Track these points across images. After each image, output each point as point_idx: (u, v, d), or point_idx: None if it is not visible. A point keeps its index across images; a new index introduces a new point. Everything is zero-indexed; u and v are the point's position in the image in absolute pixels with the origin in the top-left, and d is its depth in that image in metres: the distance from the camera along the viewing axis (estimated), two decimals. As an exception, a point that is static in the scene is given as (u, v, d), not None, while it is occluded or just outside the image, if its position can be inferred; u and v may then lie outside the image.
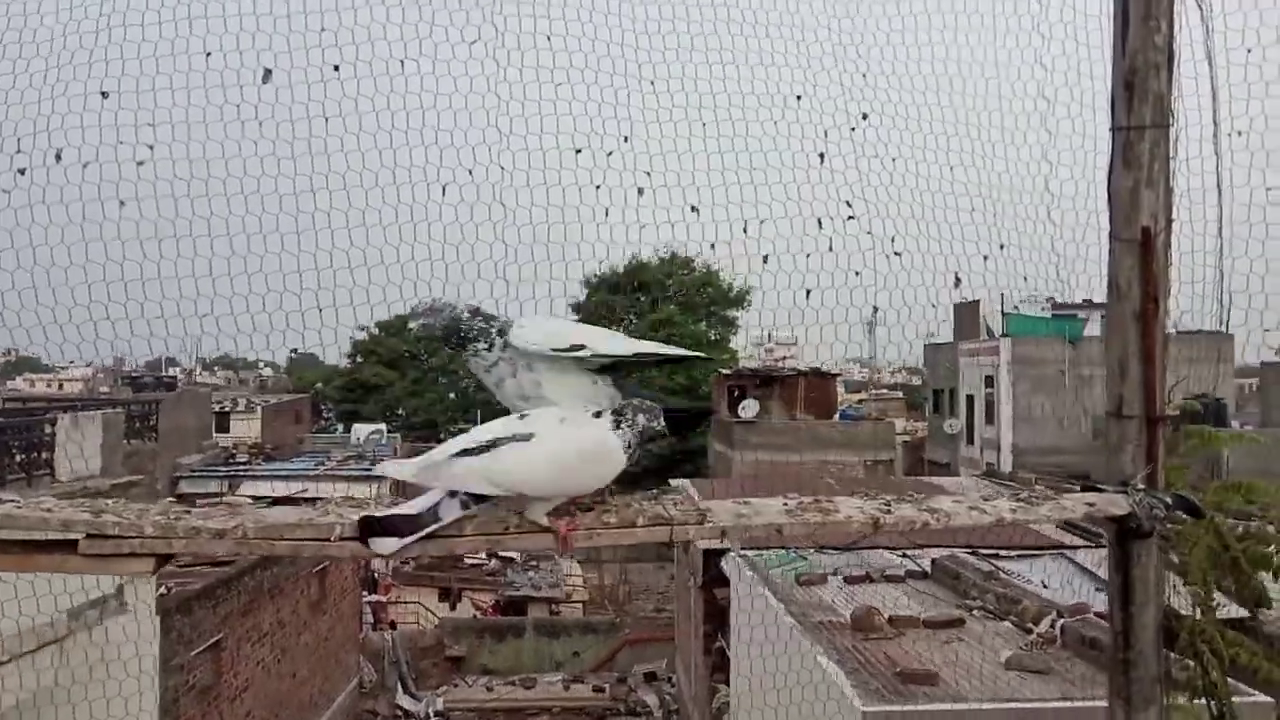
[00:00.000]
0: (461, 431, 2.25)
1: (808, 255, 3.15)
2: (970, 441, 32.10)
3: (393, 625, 26.78)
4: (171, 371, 45.78)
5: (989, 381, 30.88)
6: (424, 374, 51.71)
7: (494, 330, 2.30)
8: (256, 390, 59.20)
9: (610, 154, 3.14)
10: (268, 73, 2.89)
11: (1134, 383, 2.49)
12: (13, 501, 2.00)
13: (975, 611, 10.78)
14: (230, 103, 2.98)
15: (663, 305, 44.53)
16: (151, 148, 2.91)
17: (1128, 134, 2.50)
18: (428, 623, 27.51)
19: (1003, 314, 31.44)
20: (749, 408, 31.34)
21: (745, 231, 3.21)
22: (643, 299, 45.52)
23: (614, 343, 2.31)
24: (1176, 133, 2.54)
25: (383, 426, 40.39)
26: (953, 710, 7.51)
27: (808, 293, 3.07)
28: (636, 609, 30.19)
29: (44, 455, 9.99)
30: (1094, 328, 32.58)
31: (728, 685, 14.38)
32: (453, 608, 28.93)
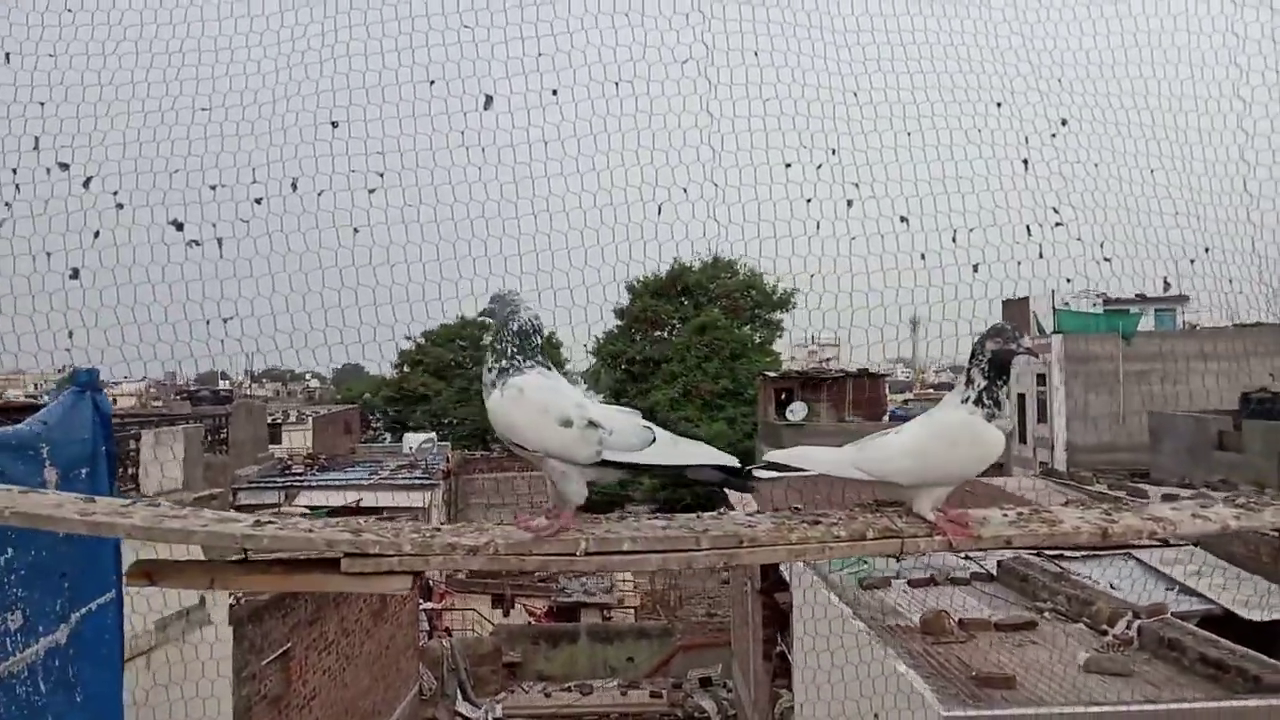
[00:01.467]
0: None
1: (1019, 263, 3.12)
2: (1023, 440, 31.67)
3: (448, 632, 27.01)
4: (223, 385, 46.57)
5: (1040, 379, 30.45)
6: (470, 382, 52.12)
7: (505, 364, 2.34)
8: (305, 402, 60.07)
9: (819, 166, 3.13)
10: (489, 100, 2.95)
11: None
12: (273, 523, 2.10)
13: (1046, 614, 10.68)
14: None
15: (706, 309, 44.47)
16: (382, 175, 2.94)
17: None
18: (482, 629, 27.72)
19: (1054, 310, 30.99)
20: (797, 410, 31.22)
21: (954, 240, 3.19)
22: (686, 303, 45.49)
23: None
24: None
25: (434, 435, 40.79)
26: (1035, 715, 7.46)
27: (1004, 304, 3.04)
28: (688, 614, 30.17)
29: (129, 470, 10.26)
30: (1148, 322, 32.02)
31: (790, 690, 14.34)
32: (506, 614, 29.12)
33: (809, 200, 3.12)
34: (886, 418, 32.88)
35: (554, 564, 2.09)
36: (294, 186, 2.95)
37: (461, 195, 2.96)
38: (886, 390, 37.58)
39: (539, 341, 2.33)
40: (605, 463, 2.19)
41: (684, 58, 2.99)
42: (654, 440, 2.18)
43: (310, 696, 16.16)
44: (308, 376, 74.21)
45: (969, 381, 2.34)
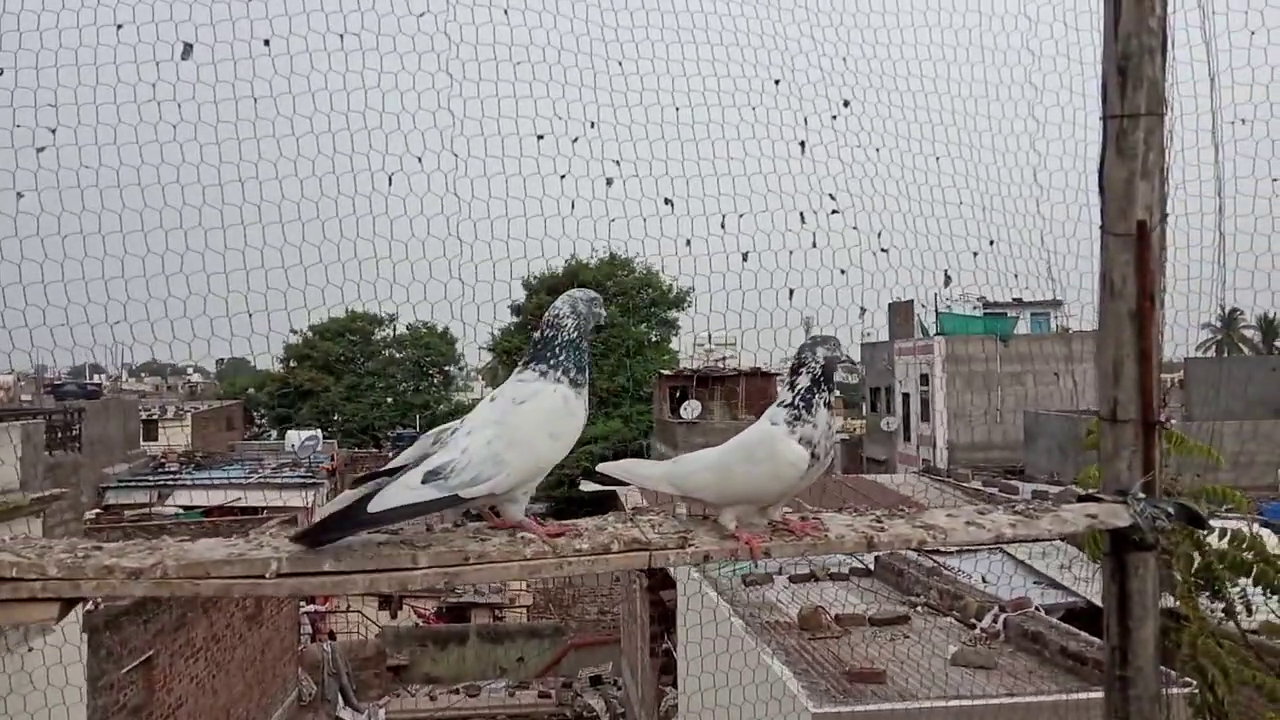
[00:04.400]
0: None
1: (790, 252, 2.97)
2: (907, 439, 32.64)
3: (332, 636, 26.21)
4: (96, 379, 44.18)
5: (924, 379, 31.43)
6: (360, 379, 50.79)
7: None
8: (186, 397, 57.63)
9: (576, 140, 2.91)
10: (188, 48, 2.61)
11: (1130, 384, 2.35)
12: None
13: (919, 608, 10.92)
14: (146, 81, 2.66)
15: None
16: (54, 131, 2.62)
17: (1121, 122, 2.36)
18: (367, 632, 26.99)
19: (935, 312, 32.05)
20: (691, 408, 31.43)
21: (723, 226, 3.02)
22: (582, 300, 45.25)
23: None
24: (1172, 121, 2.40)
25: (318, 432, 39.52)
26: (902, 709, 7.57)
27: (790, 293, 2.92)
28: (581, 612, 30.04)
29: (-41, 470, 9.49)
30: (1023, 326, 33.42)
31: (676, 687, 14.35)
32: (393, 616, 28.43)
33: (563, 177, 2.92)
34: (778, 416, 33.39)
35: (237, 588, 1.83)
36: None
37: (151, 157, 2.62)
38: (779, 388, 38.18)
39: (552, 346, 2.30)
40: None
41: (420, 10, 2.72)
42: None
43: (176, 705, 15.41)
44: (189, 371, 71.17)
45: (791, 386, 2.23)
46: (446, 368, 54.26)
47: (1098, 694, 7.41)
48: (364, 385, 50.62)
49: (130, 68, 2.58)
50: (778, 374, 38.65)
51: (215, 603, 16.77)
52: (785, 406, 2.19)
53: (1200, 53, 2.56)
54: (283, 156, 2.66)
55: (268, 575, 1.77)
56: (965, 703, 7.35)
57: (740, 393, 32.80)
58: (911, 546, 2.10)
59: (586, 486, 2.27)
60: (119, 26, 2.56)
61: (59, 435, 17.69)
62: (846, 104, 3.01)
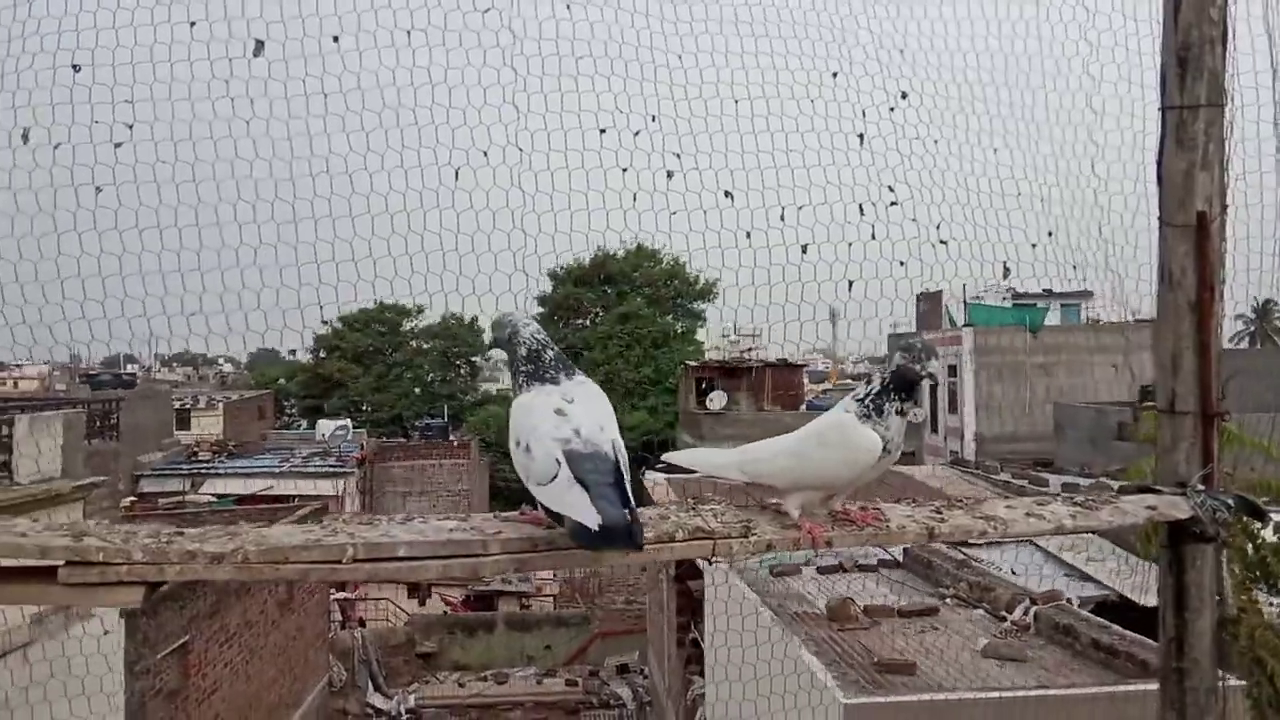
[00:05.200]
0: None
1: (849, 244, 2.95)
2: (934, 430, 32.44)
3: (361, 623, 26.52)
4: (129, 369, 44.80)
5: (952, 370, 31.21)
6: (388, 369, 51.15)
7: (516, 386, 2.20)
8: (217, 387, 58.33)
9: (638, 134, 2.89)
10: (259, 44, 2.64)
11: (1188, 376, 2.34)
12: None
13: (949, 600, 10.88)
14: (220, 78, 2.69)
15: (629, 298, 44.39)
16: (131, 127, 2.67)
17: (1180, 113, 2.35)
18: (397, 620, 27.28)
19: (964, 304, 31.81)
20: (717, 399, 31.40)
21: (783, 219, 2.99)
22: (609, 291, 45.34)
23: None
24: (1232, 113, 2.38)
25: (348, 422, 39.88)
26: (933, 700, 7.55)
27: (850, 284, 2.90)
28: (607, 602, 30.15)
29: (1, 457, 9.68)
30: (1054, 317, 33.08)
31: (702, 677, 14.39)
32: (422, 604, 28.71)
33: (625, 170, 2.91)
34: (804, 407, 33.35)
35: (315, 573, 1.87)
36: (25, 138, 2.64)
37: (225, 152, 2.65)
38: (805, 380, 38.09)
39: (549, 356, 2.18)
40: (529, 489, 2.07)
41: (485, 6, 2.71)
42: (554, 477, 2.00)
43: (210, 690, 15.66)
44: (220, 361, 71.98)
45: (867, 382, 2.25)
46: (473, 358, 54.53)
47: (1130, 687, 7.37)
48: (392, 375, 50.99)
49: (204, 65, 2.63)
50: (804, 365, 38.51)
51: (248, 589, 17.01)
52: (857, 401, 2.21)
53: (1262, 43, 2.52)
54: (353, 151, 2.69)
55: (344, 560, 1.81)
56: (998, 695, 7.33)
57: (766, 384, 32.72)
58: (972, 538, 2.11)
59: (653, 476, 2.28)
60: (193, 24, 2.61)
61: (97, 424, 17.99)
62: (904, 96, 3.00)
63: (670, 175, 2.92)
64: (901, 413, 2.17)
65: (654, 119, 2.90)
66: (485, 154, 2.74)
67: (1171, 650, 2.29)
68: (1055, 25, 3.00)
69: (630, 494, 1.96)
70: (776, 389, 32.68)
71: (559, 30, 2.78)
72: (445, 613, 28.46)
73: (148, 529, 1.91)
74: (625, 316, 43.39)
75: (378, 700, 22.70)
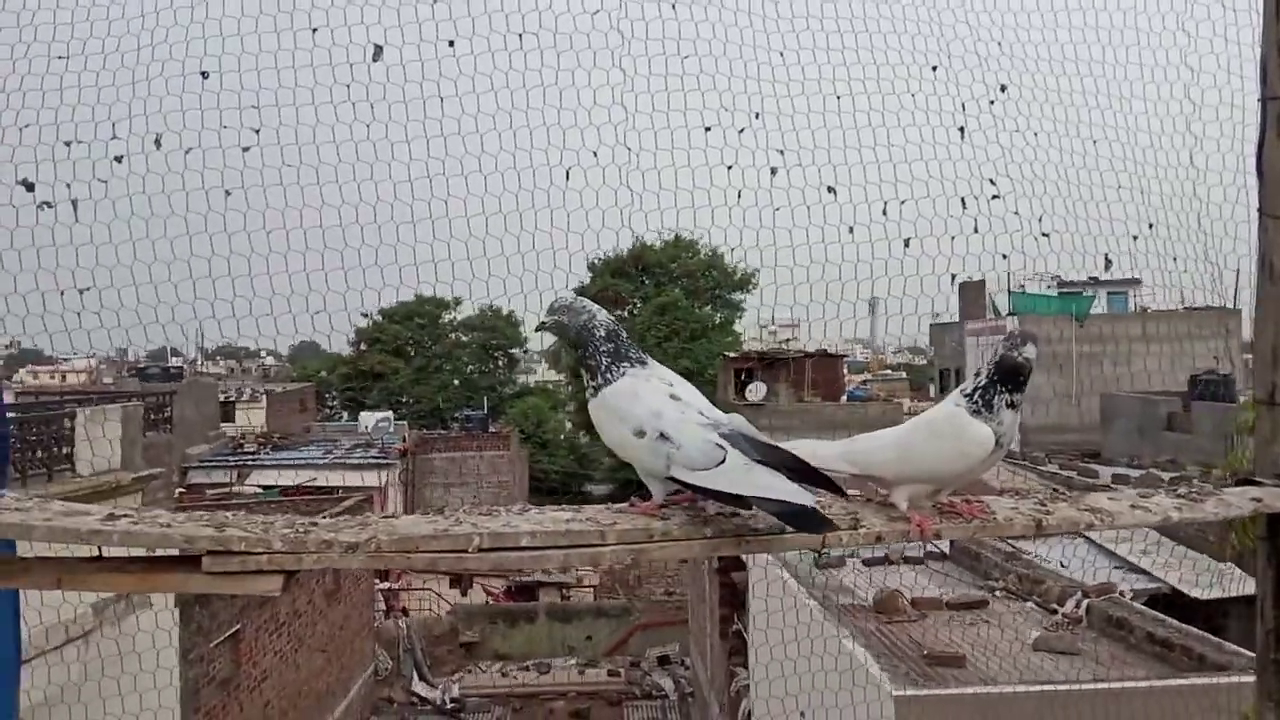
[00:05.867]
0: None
1: (953, 238, 2.92)
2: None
3: (405, 613, 26.84)
4: (174, 362, 45.68)
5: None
6: (428, 361, 51.61)
7: (603, 372, 2.16)
8: (260, 379, 59.19)
9: (742, 131, 2.88)
10: (378, 49, 2.68)
11: None
12: (128, 517, 1.92)
13: (998, 592, 10.79)
14: (342, 82, 2.72)
15: (667, 289, 44.35)
16: (258, 132, 2.73)
17: None
18: (440, 609, 27.58)
19: (1008, 292, 31.36)
20: (757, 390, 31.27)
21: (885, 213, 2.97)
22: (647, 282, 45.35)
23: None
24: None
25: (390, 414, 40.33)
26: (984, 694, 7.50)
27: (953, 278, 2.88)
28: (647, 593, 30.23)
29: (64, 450, 9.92)
30: (1100, 305, 32.51)
31: (745, 669, 14.39)
32: (464, 594, 28.99)
33: (730, 167, 2.91)
34: (844, 398, 33.13)
35: (443, 562, 1.91)
36: (157, 144, 2.70)
37: (347, 155, 2.70)
38: (845, 370, 37.82)
39: (625, 337, 2.19)
40: (673, 478, 2.03)
41: (594, 8, 2.73)
42: (722, 461, 1.96)
43: (261, 678, 15.96)
44: (263, 354, 73.03)
45: (975, 375, 2.23)
46: (511, 350, 54.86)
47: (1188, 680, 7.26)
48: (432, 368, 51.45)
49: (326, 70, 2.68)
50: (845, 355, 38.22)
51: (298, 579, 17.27)
52: (966, 396, 2.18)
53: None
54: (468, 153, 2.74)
55: (470, 550, 1.86)
56: (1051, 688, 7.26)
57: (806, 374, 32.53)
58: (1079, 530, 2.09)
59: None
60: (314, 30, 2.66)
61: (150, 416, 18.37)
62: (1004, 89, 2.95)
63: (774, 172, 2.91)
64: (1013, 405, 2.13)
65: (758, 116, 2.89)
66: (595, 154, 2.76)
67: (1271, 642, 2.26)
68: (1153, 16, 2.95)
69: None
70: (816, 379, 32.46)
71: (665, 30, 2.79)
72: (487, 603, 28.72)
73: (284, 520, 1.97)
74: (663, 308, 43.37)
75: (422, 689, 22.99)
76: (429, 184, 2.73)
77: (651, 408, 2.04)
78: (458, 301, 47.19)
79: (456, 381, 52.58)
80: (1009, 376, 2.15)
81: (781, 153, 2.91)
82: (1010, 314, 30.45)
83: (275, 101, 2.70)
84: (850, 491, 2.20)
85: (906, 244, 2.97)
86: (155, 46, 2.65)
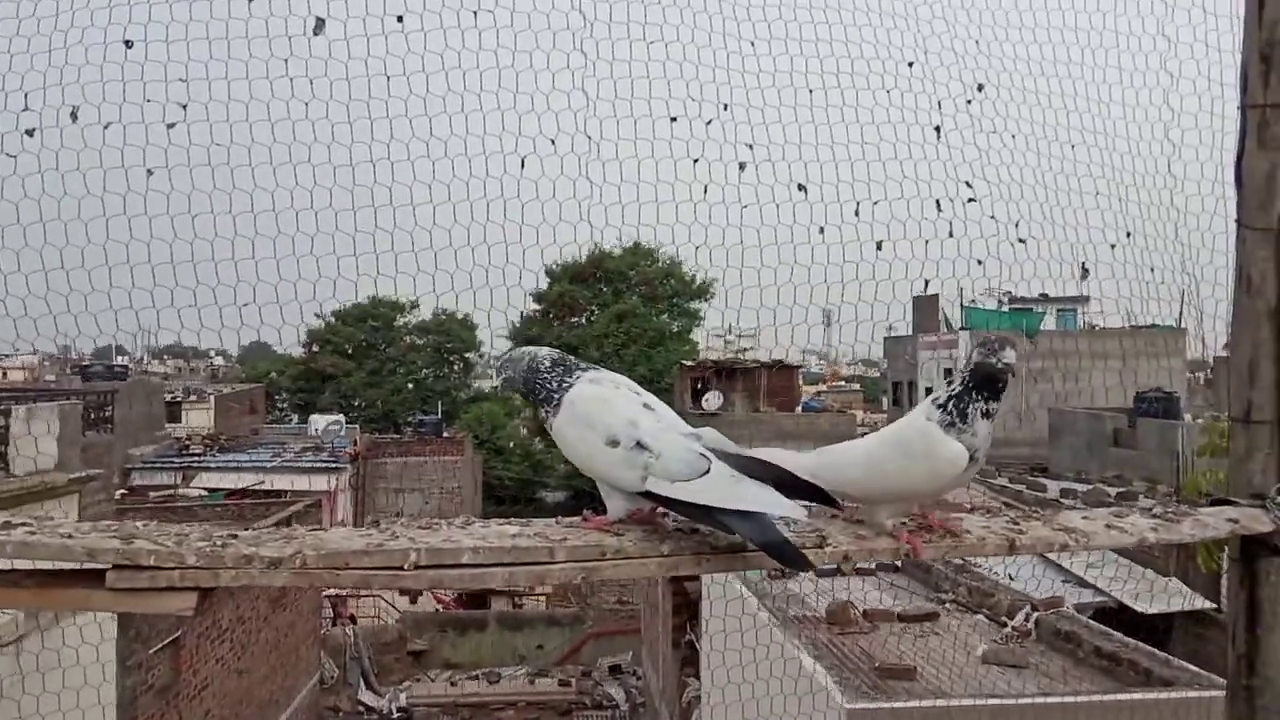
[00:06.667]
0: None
1: (926, 242, 2.84)
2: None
3: (353, 620, 26.39)
4: (120, 360, 44.59)
5: (947, 374, 31.21)
6: (382, 364, 50.98)
7: (556, 391, 2.03)
8: (208, 380, 58.04)
9: (709, 123, 2.78)
10: (320, 22, 2.53)
11: (1266, 386, 2.27)
12: (26, 526, 1.77)
13: (948, 605, 10.85)
14: (279, 56, 2.56)
15: (626, 296, 44.34)
16: (185, 107, 2.56)
17: (1263, 112, 2.27)
18: (388, 617, 27.17)
19: (961, 307, 31.80)
20: (712, 400, 31.35)
21: (857, 214, 2.88)
22: (605, 290, 45.29)
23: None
24: None
25: (340, 417, 39.70)
26: (934, 707, 7.51)
27: (926, 283, 2.80)
28: (600, 601, 30.08)
29: (-1, 449, 9.58)
30: (1050, 321, 33.10)
31: (698, 679, 14.33)
32: (413, 601, 28.58)
33: (696, 161, 2.81)
34: (799, 408, 33.34)
35: (376, 580, 1.79)
36: (74, 117, 2.55)
37: (283, 135, 2.55)
38: (800, 381, 38.07)
39: (570, 360, 2.05)
40: (649, 493, 1.90)
41: None
42: (707, 472, 1.84)
43: (201, 686, 15.56)
44: (211, 354, 71.62)
45: (948, 384, 2.12)
46: (467, 354, 54.39)
47: (1133, 695, 7.34)
48: (385, 371, 50.81)
49: (262, 43, 2.53)
50: (800, 366, 38.49)
51: (223, 595, 16.88)
52: (939, 408, 2.05)
53: None
54: (415, 137, 2.61)
55: (406, 567, 1.73)
56: (999, 701, 7.29)
57: (762, 385, 32.68)
58: (1053, 550, 2.04)
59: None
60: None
61: (91, 416, 17.84)
62: (981, 88, 2.90)
63: (742, 167, 2.81)
64: (988, 414, 2.04)
65: (726, 108, 2.79)
66: (553, 142, 2.65)
67: (1241, 667, 2.22)
68: (1133, 19, 2.92)
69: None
70: (772, 390, 32.64)
71: (630, 14, 2.68)
72: (437, 610, 28.36)
73: (200, 531, 1.83)
74: (621, 315, 43.34)
75: (369, 698, 22.62)
76: (372, 169, 2.60)
77: (626, 416, 1.93)
78: (413, 304, 46.72)
79: (411, 385, 52.00)
80: (986, 384, 2.05)
81: (750, 147, 2.83)
82: (963, 328, 30.89)
83: (205, 75, 2.55)
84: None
85: (879, 246, 2.90)
86: (75, 12, 2.49)
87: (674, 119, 2.81)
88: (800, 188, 2.87)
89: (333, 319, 46.87)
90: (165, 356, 68.77)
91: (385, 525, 1.94)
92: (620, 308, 43.68)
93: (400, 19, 2.54)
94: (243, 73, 2.53)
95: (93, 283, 2.76)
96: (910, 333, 31.70)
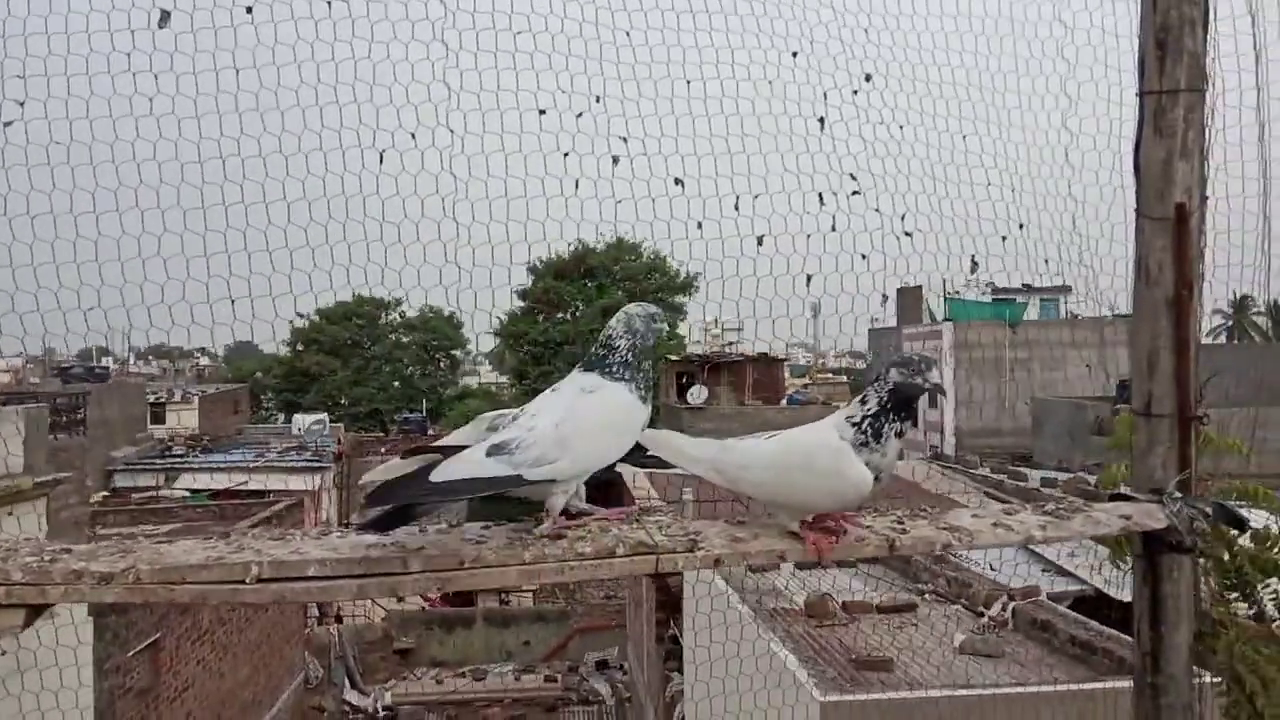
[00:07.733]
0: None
1: (808, 236, 2.79)
2: (914, 424, 32.54)
3: (338, 618, 26.28)
4: (104, 362, 44.25)
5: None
6: (367, 362, 50.78)
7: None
8: (193, 380, 57.75)
9: (580, 115, 2.72)
10: (164, 15, 2.44)
11: (1165, 377, 2.23)
12: None
13: (927, 595, 10.86)
14: (121, 50, 2.48)
15: (610, 291, 44.28)
16: (22, 104, 2.47)
17: (1159, 98, 2.23)
18: (374, 615, 27.05)
19: (944, 298, 31.92)
20: (697, 393, 31.36)
21: (737, 208, 2.83)
22: (589, 285, 45.22)
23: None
24: (1214, 98, 2.25)
25: (324, 416, 39.54)
26: (909, 698, 7.51)
27: (809, 278, 2.76)
28: (586, 596, 30.04)
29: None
30: (1033, 312, 33.27)
31: (681, 673, 14.33)
32: (399, 599, 28.49)
33: (566, 154, 2.76)
34: (785, 401, 33.39)
35: (214, 595, 1.74)
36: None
37: (148, 131, 2.47)
38: (786, 374, 38.10)
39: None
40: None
41: None
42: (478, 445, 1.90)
43: (182, 688, 15.46)
44: (196, 354, 71.24)
45: (862, 401, 2.06)
46: (453, 352, 54.25)
47: (1107, 684, 7.34)
48: (370, 369, 50.61)
49: (103, 36, 2.45)
50: (786, 359, 38.53)
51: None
52: (853, 425, 2.02)
53: (1245, 25, 2.41)
54: (266, 132, 2.54)
55: (248, 580, 1.67)
56: (974, 693, 7.29)
57: (747, 378, 32.70)
58: (935, 550, 2.00)
59: (631, 469, 2.14)
60: None
61: (64, 419, 17.68)
62: (868, 78, 2.85)
63: (616, 161, 2.75)
64: (900, 434, 2.01)
65: (598, 100, 2.73)
66: (413, 135, 2.58)
67: (1147, 665, 2.19)
68: (1028, 6, 2.88)
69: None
70: (758, 382, 32.68)
71: (494, 3, 2.62)
72: (423, 608, 28.24)
73: (31, 545, 1.77)
74: (606, 310, 43.25)
75: (354, 697, 22.53)
76: (221, 165, 2.53)
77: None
78: (398, 303, 46.57)
79: (396, 383, 51.83)
80: (904, 405, 2.03)
81: (625, 140, 2.77)
82: (946, 319, 30.98)
83: (44, 72, 2.46)
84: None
85: (760, 241, 2.85)
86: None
87: (543, 111, 2.75)
88: (677, 181, 2.82)
89: (317, 317, 46.65)
90: (150, 357, 68.36)
91: (235, 537, 1.88)
92: (605, 302, 43.60)
93: (249, 10, 2.47)
94: (104, 66, 2.45)
95: (70, 281, 2.70)
96: (894, 325, 31.78)
